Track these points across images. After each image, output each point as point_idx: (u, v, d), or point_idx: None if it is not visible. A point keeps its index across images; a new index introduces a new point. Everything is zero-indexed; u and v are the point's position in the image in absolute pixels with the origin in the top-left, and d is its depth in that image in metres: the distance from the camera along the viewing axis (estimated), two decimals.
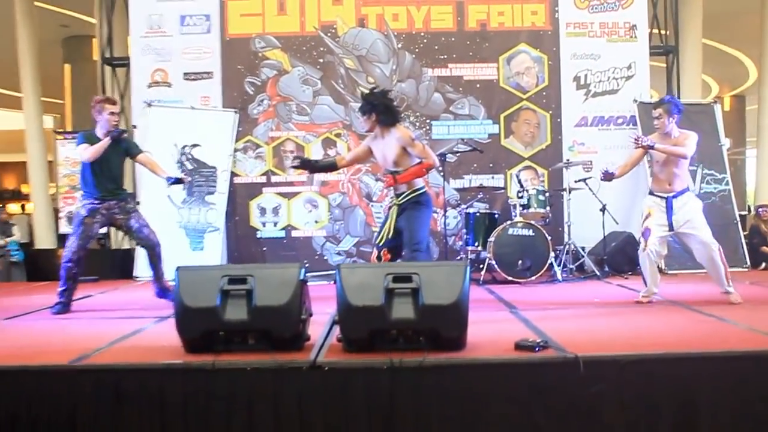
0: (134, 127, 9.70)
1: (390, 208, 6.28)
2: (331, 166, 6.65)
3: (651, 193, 6.23)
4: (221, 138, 9.65)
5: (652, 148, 6.05)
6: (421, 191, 6.11)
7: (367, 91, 6.26)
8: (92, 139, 6.32)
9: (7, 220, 12.70)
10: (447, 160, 9.01)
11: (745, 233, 9.83)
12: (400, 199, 6.13)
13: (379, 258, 6.12)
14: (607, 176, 6.27)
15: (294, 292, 4.23)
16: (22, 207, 22.43)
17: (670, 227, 6.13)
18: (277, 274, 4.30)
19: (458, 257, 8.78)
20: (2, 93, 21.38)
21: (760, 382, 3.92)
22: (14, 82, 13.51)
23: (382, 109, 6.06)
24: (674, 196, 6.11)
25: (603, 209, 8.65)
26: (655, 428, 3.90)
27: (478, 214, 8.62)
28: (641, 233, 6.21)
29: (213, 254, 9.35)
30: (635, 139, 6.06)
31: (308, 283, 4.54)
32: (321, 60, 9.83)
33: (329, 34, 9.83)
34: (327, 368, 3.96)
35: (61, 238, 11.48)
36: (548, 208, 8.59)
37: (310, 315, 4.55)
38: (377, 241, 6.25)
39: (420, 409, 3.88)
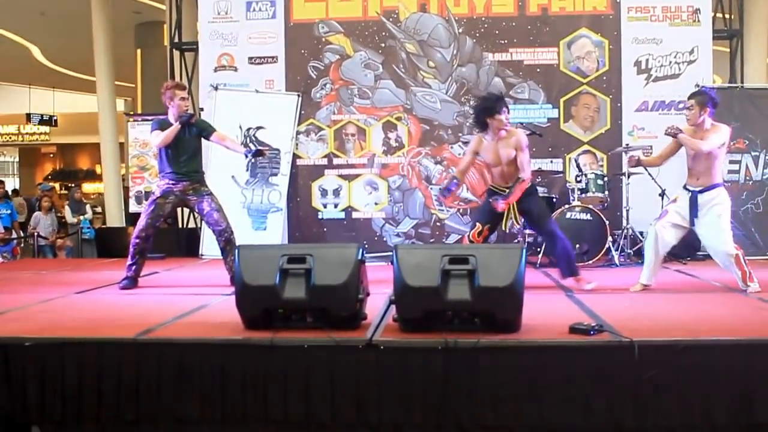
0: (201, 109, 9.77)
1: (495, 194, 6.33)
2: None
3: (684, 185, 6.14)
4: (284, 121, 9.71)
5: (674, 136, 5.93)
6: (530, 186, 6.30)
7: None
8: (165, 125, 6.40)
9: (80, 199, 13.00)
10: None
11: None
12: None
13: (480, 233, 6.22)
14: (633, 162, 6.19)
15: (351, 271, 4.24)
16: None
17: (691, 222, 5.98)
18: (336, 253, 4.33)
19: (515, 240, 8.74)
20: (78, 77, 21.89)
21: None
22: (89, 67, 13.82)
23: (485, 110, 6.21)
24: (700, 192, 5.97)
25: (662, 194, 8.52)
26: (710, 415, 3.84)
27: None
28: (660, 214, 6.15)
29: (275, 234, 9.43)
30: (668, 128, 5.95)
31: (367, 264, 4.54)
32: (383, 45, 9.81)
33: (391, 19, 9.79)
34: (383, 347, 3.97)
35: (131, 217, 11.72)
36: (606, 192, 8.51)
37: (368, 294, 4.55)
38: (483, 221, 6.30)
39: (474, 390, 3.88)
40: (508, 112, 6.27)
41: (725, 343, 3.93)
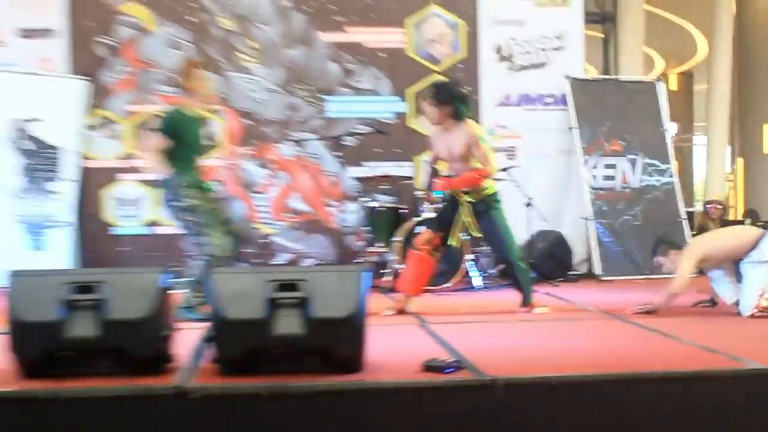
0: None
1: (447, 202, 6.74)
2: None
3: None
4: (68, 112, 9.56)
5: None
6: (493, 194, 6.65)
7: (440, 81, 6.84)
8: None
9: None
10: (344, 143, 9.22)
11: (693, 233, 10.16)
12: (471, 196, 6.57)
13: (428, 241, 6.61)
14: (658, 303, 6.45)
15: (154, 302, 4.22)
16: None
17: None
18: (134, 280, 4.30)
19: (358, 261, 8.82)
20: None
21: (706, 405, 4.04)
22: None
23: (459, 100, 6.54)
24: None
25: (529, 204, 8.86)
26: None
27: (381, 208, 8.73)
28: None
29: (59, 256, 9.27)
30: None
31: (173, 292, 4.54)
32: (191, 18, 9.79)
33: None
34: (195, 395, 3.90)
35: None
36: None
37: (175, 330, 4.55)
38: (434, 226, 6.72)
39: None
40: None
41: (602, 379, 4.10)
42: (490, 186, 6.62)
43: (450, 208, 6.67)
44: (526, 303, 6.62)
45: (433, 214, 7.44)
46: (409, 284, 6.74)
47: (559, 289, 8.39)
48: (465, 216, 6.56)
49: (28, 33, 9.63)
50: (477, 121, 9.53)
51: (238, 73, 9.81)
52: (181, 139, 6.24)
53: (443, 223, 6.67)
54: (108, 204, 9.73)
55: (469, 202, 6.54)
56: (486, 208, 6.55)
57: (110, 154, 9.74)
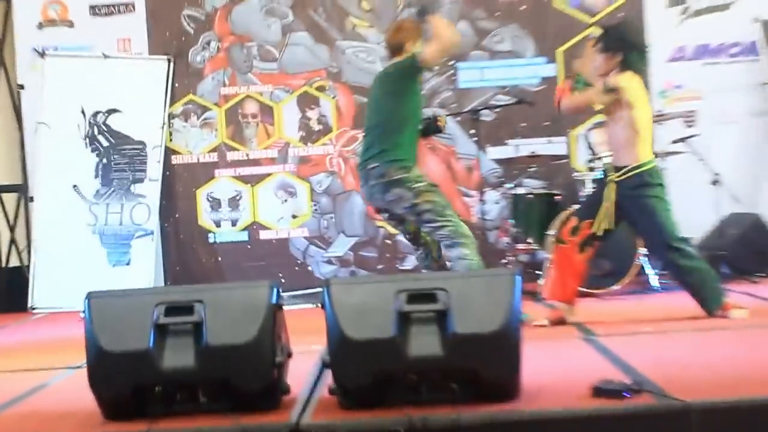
0: (21, 87, 9.73)
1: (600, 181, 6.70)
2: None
3: None
4: (149, 99, 9.68)
5: None
6: (649, 167, 6.45)
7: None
8: None
9: None
10: (482, 118, 9.11)
11: None
12: (619, 175, 6.44)
13: (576, 229, 6.51)
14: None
15: (263, 323, 4.26)
16: None
17: None
18: (238, 297, 4.35)
19: (504, 261, 8.80)
20: None
21: None
22: None
23: (635, 48, 6.50)
24: None
25: (716, 181, 8.72)
26: None
27: (531, 196, 8.70)
28: None
29: (143, 270, 9.38)
30: None
31: (286, 308, 4.59)
32: None
33: None
34: None
35: None
36: None
37: (289, 356, 4.57)
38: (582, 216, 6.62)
39: None
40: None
41: None
42: (647, 159, 6.46)
43: (601, 188, 6.59)
44: (711, 308, 6.41)
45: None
46: (556, 288, 6.68)
47: (759, 286, 8.16)
48: (606, 199, 6.45)
49: (102, 10, 9.91)
50: (646, 81, 9.45)
51: (350, 41, 9.86)
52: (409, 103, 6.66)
53: (594, 207, 6.56)
54: (201, 206, 9.90)
55: (617, 180, 6.44)
56: (637, 190, 6.40)
57: (203, 147, 9.88)
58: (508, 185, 9.08)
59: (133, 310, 4.30)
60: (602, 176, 6.68)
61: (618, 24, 6.76)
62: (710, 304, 6.40)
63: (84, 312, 4.34)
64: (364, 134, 6.95)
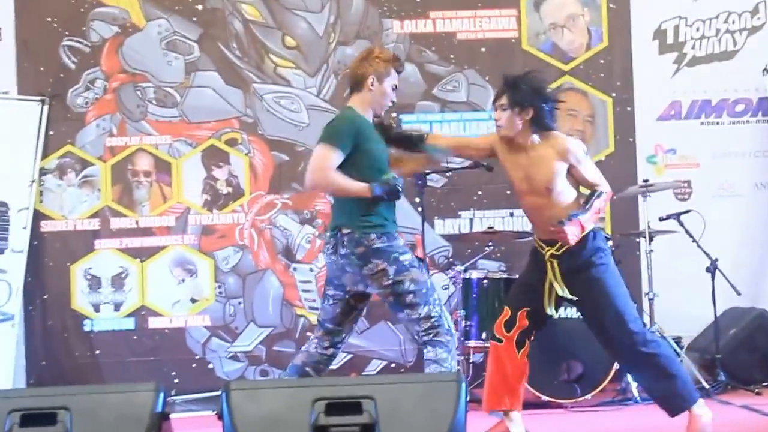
0: None
1: (536, 257, 6.45)
2: (416, 141, 6.64)
3: None
4: (16, 150, 9.12)
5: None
6: (596, 241, 6.24)
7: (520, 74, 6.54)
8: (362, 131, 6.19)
9: None
10: (429, 184, 8.60)
11: None
12: (559, 249, 6.24)
13: (511, 322, 6.21)
14: None
15: None
16: None
17: None
18: (114, 403, 4.24)
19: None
20: None
21: None
22: None
23: (545, 103, 6.28)
24: None
25: (713, 268, 8.42)
26: None
27: (486, 281, 8.40)
28: None
29: (2, 363, 8.86)
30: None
31: (178, 416, 4.67)
32: (199, 7, 9.46)
33: None
34: None
35: None
36: None
37: None
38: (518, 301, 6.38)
39: None
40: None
41: None
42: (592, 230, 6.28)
43: (534, 266, 6.40)
44: (675, 410, 6.10)
45: None
46: (494, 395, 6.36)
47: (763, 398, 7.92)
48: (551, 277, 6.21)
49: None
50: (632, 141, 9.62)
51: (271, 86, 9.49)
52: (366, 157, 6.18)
53: (528, 291, 6.34)
54: (77, 285, 9.34)
55: (553, 255, 6.19)
56: (583, 264, 6.14)
57: (81, 212, 9.35)
58: (459, 267, 8.61)
59: None
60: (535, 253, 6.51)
61: (526, 73, 6.48)
62: (676, 405, 6.14)
63: None
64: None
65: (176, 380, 8.92)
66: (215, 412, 4.13)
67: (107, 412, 4.13)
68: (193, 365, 9.17)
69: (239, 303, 9.34)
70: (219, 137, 9.38)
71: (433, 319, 6.05)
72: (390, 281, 6.07)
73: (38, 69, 9.32)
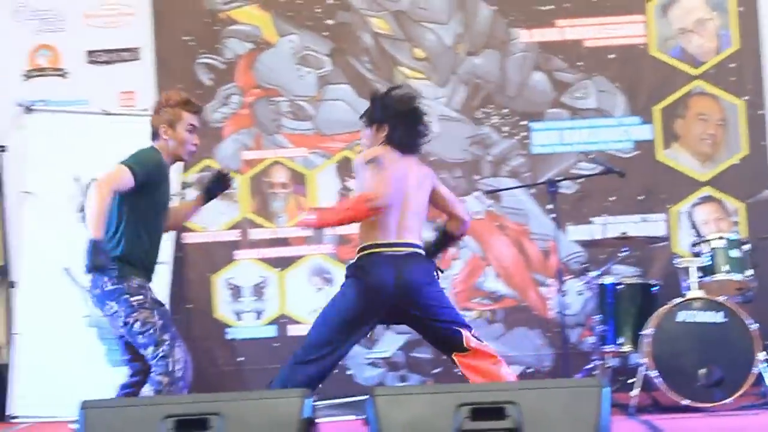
0: (2, 149, 9.80)
1: None
2: (446, 237, 6.97)
3: None
4: None
5: None
6: (363, 254, 6.51)
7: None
8: (153, 171, 6.43)
9: None
10: (561, 191, 9.05)
11: None
12: None
13: None
14: None
15: None
16: None
17: None
18: (263, 409, 4.44)
19: (588, 366, 8.73)
20: None
21: None
22: None
23: (402, 120, 6.62)
24: None
25: None
26: None
27: (621, 286, 8.60)
28: None
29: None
30: None
31: (320, 421, 4.74)
32: (330, 21, 9.90)
33: None
34: None
35: None
36: (751, 272, 8.49)
37: None
38: None
39: None
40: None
41: None
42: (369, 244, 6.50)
43: None
44: None
45: None
46: None
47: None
48: None
49: (99, 56, 10.01)
50: (764, 145, 9.74)
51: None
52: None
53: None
54: (219, 295, 9.87)
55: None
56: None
57: (221, 224, 9.84)
58: (593, 273, 8.98)
59: (135, 423, 4.41)
60: None
61: (388, 91, 6.79)
62: None
63: (77, 424, 4.42)
64: None
65: (318, 386, 8.70)
66: (356, 418, 4.49)
67: (257, 417, 4.37)
68: (334, 372, 9.77)
69: None
70: (352, 148, 9.70)
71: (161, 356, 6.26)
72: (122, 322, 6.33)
73: (176, 86, 9.33)
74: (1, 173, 9.86)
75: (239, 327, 9.83)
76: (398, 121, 6.52)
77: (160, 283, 8.90)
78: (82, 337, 9.18)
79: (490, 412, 4.19)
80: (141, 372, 6.52)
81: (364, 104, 9.34)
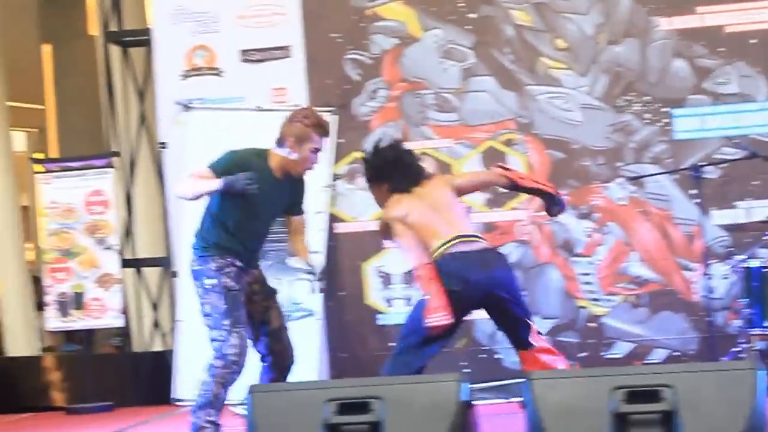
0: (162, 146, 10.12)
1: None
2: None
3: None
4: None
5: None
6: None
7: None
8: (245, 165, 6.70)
9: None
10: (704, 176, 9.09)
11: None
12: None
13: None
14: None
15: (453, 425, 4.34)
16: None
17: None
18: (422, 392, 4.48)
19: (735, 349, 8.77)
20: None
21: None
22: None
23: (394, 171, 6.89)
24: None
25: None
26: None
27: (766, 269, 8.59)
28: None
29: (305, 358, 8.92)
30: None
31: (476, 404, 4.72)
32: (473, 15, 10.02)
33: None
34: None
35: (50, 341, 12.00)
36: None
37: None
38: None
39: None
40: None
41: None
42: None
43: None
44: None
45: None
46: None
47: None
48: None
49: (252, 55, 10.30)
50: None
51: (542, 86, 9.97)
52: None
53: None
54: (369, 282, 10.04)
55: None
56: None
57: (371, 214, 9.60)
58: (738, 257, 9.02)
59: (300, 406, 4.50)
60: None
61: (375, 150, 7.01)
62: None
63: (245, 408, 4.53)
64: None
65: (466, 370, 9.02)
66: (506, 401, 4.42)
67: (416, 401, 4.36)
68: (481, 355, 9.59)
69: (524, 295, 8.76)
70: (496, 138, 9.89)
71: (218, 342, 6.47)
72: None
73: (325, 82, 10.09)
74: (162, 169, 10.27)
75: (390, 313, 9.91)
76: (393, 172, 6.77)
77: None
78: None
79: (646, 395, 4.13)
80: (266, 355, 6.88)
81: (508, 95, 9.78)
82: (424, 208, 6.60)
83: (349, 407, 4.40)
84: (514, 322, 6.50)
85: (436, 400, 4.41)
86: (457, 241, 6.46)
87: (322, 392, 4.54)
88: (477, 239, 6.62)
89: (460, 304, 6.26)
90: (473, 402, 4.57)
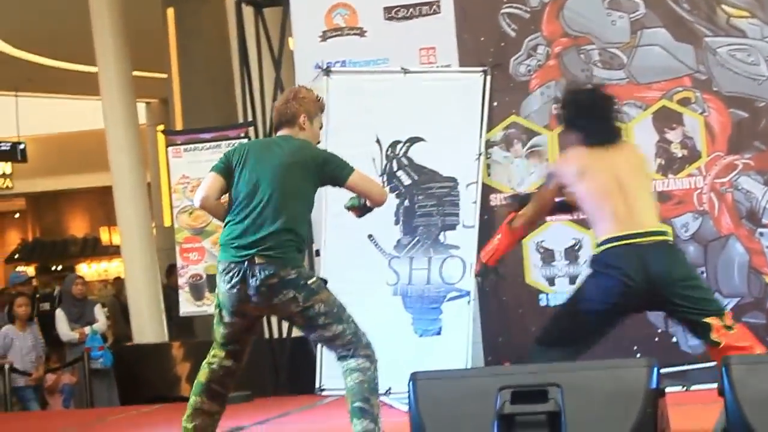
0: None
1: None
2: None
3: None
4: (461, 123, 9.82)
5: None
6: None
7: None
8: None
9: (84, 295, 13.15)
10: None
11: None
12: None
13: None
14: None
15: (641, 415, 4.34)
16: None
17: None
18: (605, 379, 4.51)
19: None
20: (60, 68, 22.69)
21: None
22: (80, 49, 14.26)
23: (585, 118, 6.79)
24: None
25: None
26: None
27: None
28: None
29: (458, 342, 9.45)
30: None
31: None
32: None
33: None
34: None
35: (178, 325, 12.16)
36: None
37: None
38: None
39: None
40: None
41: None
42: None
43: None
44: None
45: None
46: None
47: None
48: None
49: (397, 12, 10.24)
50: None
51: (725, 38, 9.72)
52: None
53: None
54: (530, 259, 9.95)
55: None
56: None
57: (530, 184, 9.81)
58: None
59: (469, 395, 4.52)
60: None
61: (570, 92, 7.20)
62: None
63: (408, 395, 4.56)
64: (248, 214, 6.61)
65: (638, 355, 8.89)
66: (683, 389, 4.38)
67: (599, 388, 4.39)
68: (656, 339, 9.35)
69: (701, 272, 9.13)
70: (670, 97, 9.66)
71: (347, 335, 6.37)
72: (299, 308, 6.39)
73: (478, 39, 9.99)
74: None
75: (553, 293, 9.75)
76: (587, 121, 6.68)
77: (467, 248, 9.50)
78: (387, 305, 9.49)
79: None
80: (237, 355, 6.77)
81: (683, 49, 9.59)
82: (607, 177, 6.48)
83: (524, 396, 4.43)
84: (688, 325, 6.43)
85: (621, 387, 4.42)
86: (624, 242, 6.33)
87: (493, 379, 4.57)
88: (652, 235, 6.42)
89: (623, 299, 6.25)
90: (663, 392, 4.60)
